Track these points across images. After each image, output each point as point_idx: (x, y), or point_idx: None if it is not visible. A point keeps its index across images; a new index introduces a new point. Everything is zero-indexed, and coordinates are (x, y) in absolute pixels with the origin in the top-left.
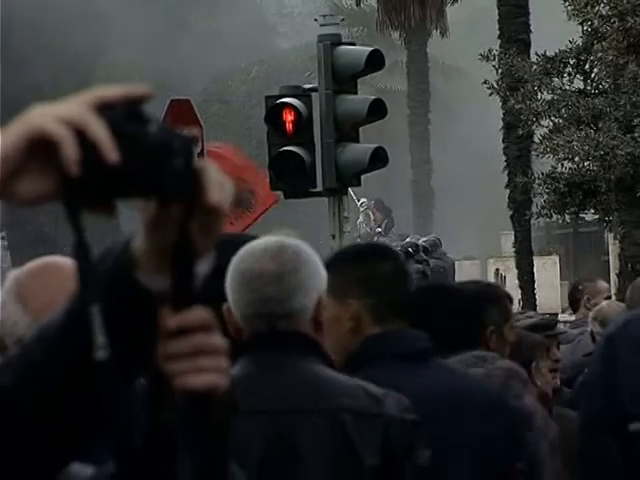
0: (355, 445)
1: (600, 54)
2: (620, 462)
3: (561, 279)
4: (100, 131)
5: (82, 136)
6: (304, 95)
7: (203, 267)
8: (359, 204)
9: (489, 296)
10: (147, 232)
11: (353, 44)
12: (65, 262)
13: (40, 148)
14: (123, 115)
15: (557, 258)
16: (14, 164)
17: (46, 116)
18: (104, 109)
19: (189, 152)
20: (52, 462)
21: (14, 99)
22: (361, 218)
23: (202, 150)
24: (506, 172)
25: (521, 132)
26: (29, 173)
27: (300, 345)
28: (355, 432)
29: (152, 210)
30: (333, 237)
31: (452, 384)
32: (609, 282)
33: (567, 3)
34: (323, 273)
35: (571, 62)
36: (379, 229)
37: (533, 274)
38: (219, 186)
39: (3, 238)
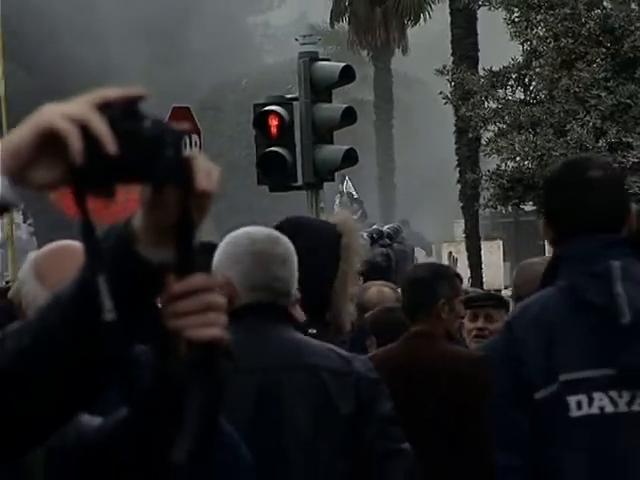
0: (332, 397)
1: (538, 69)
2: (530, 432)
3: (504, 261)
4: (101, 126)
5: (86, 131)
6: (287, 103)
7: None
8: (339, 197)
9: (441, 273)
10: (145, 212)
11: (328, 60)
12: (76, 245)
13: (50, 141)
14: (121, 112)
15: (501, 243)
16: (28, 155)
17: (54, 113)
18: (105, 107)
19: (179, 144)
20: (65, 411)
21: (25, 101)
22: (338, 209)
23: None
24: (458, 170)
25: (471, 136)
26: (41, 163)
27: (287, 317)
28: (332, 387)
29: (148, 193)
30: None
31: None
32: None
33: (510, 26)
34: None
35: (513, 76)
36: (355, 217)
37: (480, 256)
38: (207, 173)
39: (30, 225)
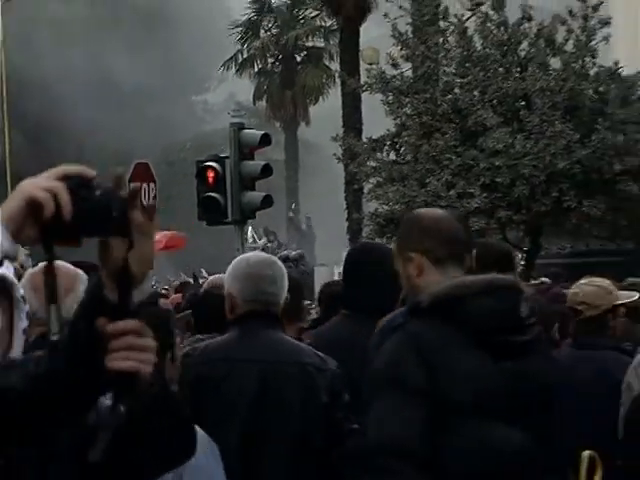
0: (315, 388)
1: (406, 138)
2: None
3: None
4: (65, 196)
5: (55, 198)
6: (220, 160)
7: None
8: (251, 233)
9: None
10: (102, 263)
11: (251, 129)
12: (64, 265)
13: (31, 208)
14: (79, 183)
15: None
16: (21, 220)
17: (34, 186)
18: (67, 179)
19: (124, 208)
20: (59, 420)
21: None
22: (251, 240)
23: (155, 196)
24: (346, 211)
25: (356, 186)
26: (27, 224)
27: (278, 322)
28: (316, 379)
29: (102, 248)
30: (237, 250)
31: None
32: None
33: (386, 106)
34: (286, 280)
35: (388, 143)
36: (269, 244)
37: None
38: (147, 235)
39: (27, 248)
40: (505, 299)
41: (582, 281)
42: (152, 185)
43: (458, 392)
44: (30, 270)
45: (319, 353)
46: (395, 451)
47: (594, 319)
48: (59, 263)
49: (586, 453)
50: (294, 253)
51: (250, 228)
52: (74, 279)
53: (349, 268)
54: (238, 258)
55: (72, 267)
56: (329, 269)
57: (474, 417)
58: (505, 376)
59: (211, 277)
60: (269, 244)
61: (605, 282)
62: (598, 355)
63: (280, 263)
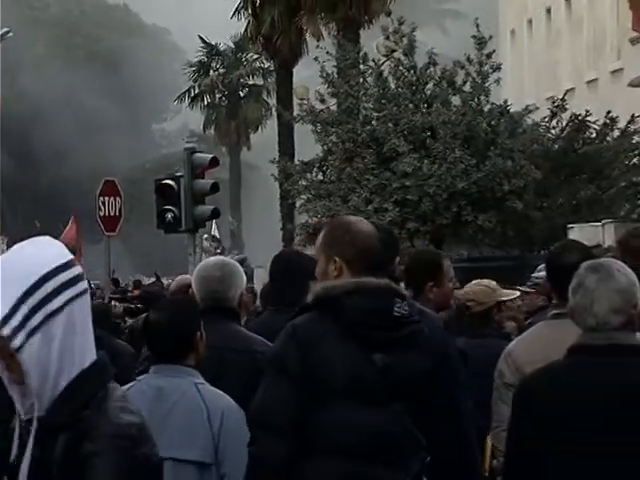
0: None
1: (332, 162)
2: None
3: None
4: None
5: None
6: (176, 178)
7: None
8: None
9: None
10: None
11: (202, 152)
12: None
13: None
14: None
15: None
16: None
17: None
18: None
19: None
20: None
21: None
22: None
23: (120, 208)
24: (281, 223)
25: (290, 202)
26: None
27: (233, 315)
28: (261, 364)
29: None
30: (190, 254)
31: None
32: None
33: (315, 134)
34: (243, 277)
35: (316, 165)
36: (218, 250)
37: None
38: None
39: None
40: (377, 299)
41: (472, 282)
42: (118, 199)
43: (330, 377)
44: None
45: (268, 343)
46: (260, 423)
47: (481, 313)
48: None
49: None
50: (236, 257)
51: (205, 236)
52: None
53: (274, 271)
54: (200, 263)
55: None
56: (266, 270)
57: (343, 399)
58: (374, 366)
59: (178, 277)
60: (217, 250)
61: (491, 283)
62: (487, 342)
63: (232, 265)
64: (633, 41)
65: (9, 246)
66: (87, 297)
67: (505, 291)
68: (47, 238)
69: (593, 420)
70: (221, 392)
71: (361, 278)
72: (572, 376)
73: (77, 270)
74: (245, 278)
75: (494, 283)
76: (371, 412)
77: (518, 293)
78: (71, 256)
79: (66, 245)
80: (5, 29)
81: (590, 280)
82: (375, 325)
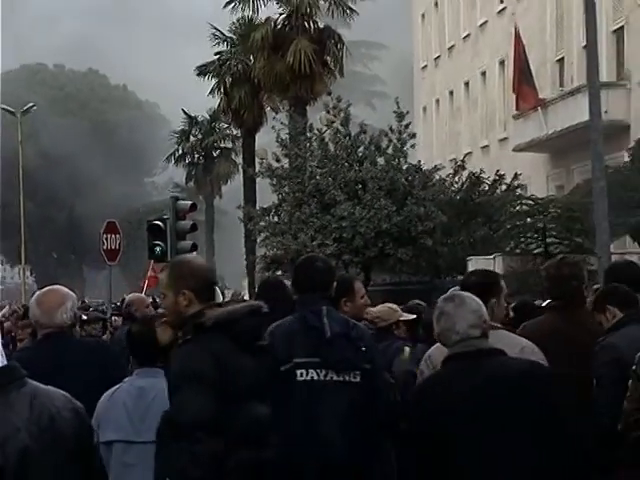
0: None
1: (285, 208)
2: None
3: None
4: None
5: None
6: (163, 220)
7: None
8: None
9: None
10: None
11: (184, 200)
12: (60, 288)
13: None
14: None
15: None
16: None
17: None
18: None
19: None
20: None
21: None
22: None
23: (120, 246)
24: (245, 255)
25: (252, 238)
26: None
27: None
28: None
29: None
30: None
31: None
32: None
33: (272, 186)
34: (220, 297)
35: (273, 210)
36: None
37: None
38: None
39: (34, 277)
40: (261, 318)
41: (380, 305)
42: (118, 236)
43: (234, 383)
44: (36, 292)
45: None
46: (196, 423)
47: (385, 327)
48: (58, 287)
49: None
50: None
51: None
52: (64, 297)
53: (259, 293)
54: None
55: (64, 289)
56: (232, 291)
57: (245, 398)
58: (261, 371)
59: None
60: None
61: (393, 306)
62: (388, 349)
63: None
64: (515, 117)
65: (32, 273)
66: None
67: (404, 313)
68: None
69: (466, 410)
70: None
71: (250, 302)
72: (448, 378)
73: None
74: (221, 297)
75: (395, 306)
76: (260, 407)
77: (414, 316)
78: None
79: (147, 288)
80: (31, 104)
81: (449, 307)
82: (258, 338)
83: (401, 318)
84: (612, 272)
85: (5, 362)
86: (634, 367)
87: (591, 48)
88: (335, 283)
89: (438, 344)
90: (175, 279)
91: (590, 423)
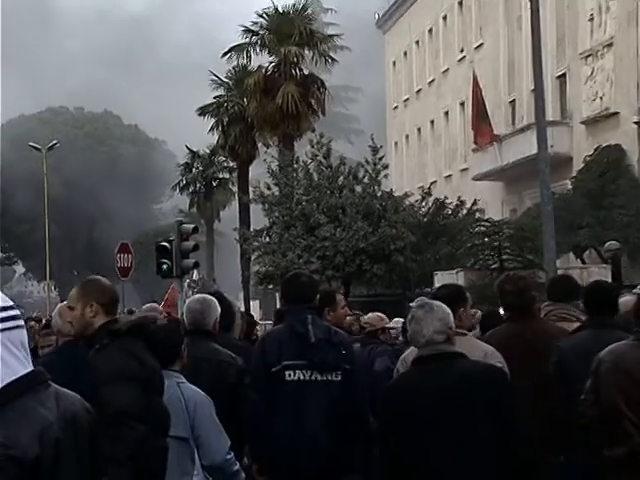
0: (228, 374)
1: (275, 230)
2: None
3: (263, 312)
4: None
5: None
6: (170, 241)
7: None
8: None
9: None
10: None
11: (188, 224)
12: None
13: None
14: None
15: (258, 302)
16: None
17: None
18: None
19: None
20: None
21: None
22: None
23: (132, 264)
24: (241, 271)
25: (247, 257)
26: None
27: (210, 336)
28: (228, 369)
29: None
30: (179, 292)
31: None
32: None
33: (263, 211)
34: (217, 309)
35: (265, 232)
36: (196, 290)
37: (249, 309)
38: None
39: (57, 291)
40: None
41: (370, 313)
42: (130, 255)
43: (152, 379)
44: (59, 305)
45: (232, 354)
46: (125, 412)
47: (373, 332)
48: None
49: None
50: (213, 289)
51: (187, 281)
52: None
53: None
54: (189, 298)
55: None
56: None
57: (159, 392)
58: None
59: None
60: (195, 290)
61: (381, 315)
62: (372, 351)
63: (209, 300)
64: (474, 150)
65: (55, 288)
66: (17, 331)
67: (389, 320)
68: None
69: (428, 405)
70: (196, 388)
71: (146, 314)
72: (414, 378)
73: (12, 312)
74: (219, 309)
75: (383, 315)
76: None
77: (398, 326)
78: (9, 303)
79: (166, 310)
80: (55, 141)
81: (419, 313)
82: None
83: (387, 325)
84: (551, 285)
85: (32, 367)
86: (593, 367)
87: (538, 91)
88: (319, 295)
89: (413, 347)
90: (84, 294)
91: (531, 425)
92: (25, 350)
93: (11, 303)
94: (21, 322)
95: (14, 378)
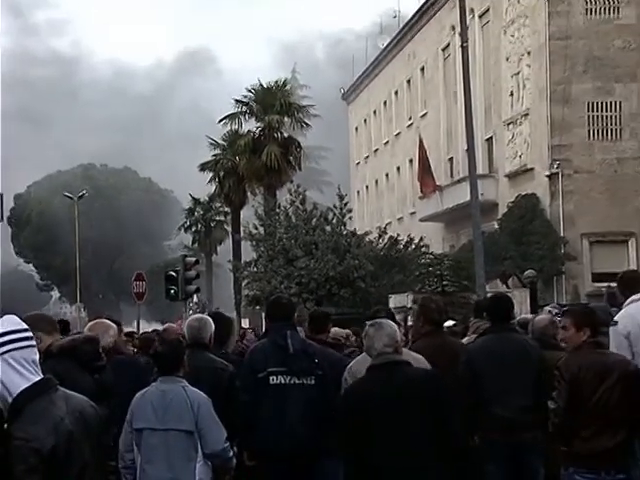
0: (222, 379)
1: (261, 262)
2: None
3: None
4: None
5: None
6: (177, 271)
7: None
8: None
9: None
10: None
11: (190, 257)
12: (105, 320)
13: None
14: None
15: (247, 320)
16: None
17: None
18: None
19: None
20: None
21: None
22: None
23: (145, 289)
24: (234, 295)
25: (239, 283)
26: None
27: (206, 348)
28: (222, 375)
29: None
30: (183, 312)
31: None
32: None
33: (252, 247)
34: (212, 326)
35: (253, 264)
36: (198, 310)
37: (241, 325)
38: None
39: (85, 311)
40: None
41: (336, 328)
42: (144, 282)
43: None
44: (89, 323)
45: (225, 362)
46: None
47: (342, 344)
48: (104, 320)
49: None
50: (212, 313)
51: (191, 304)
52: (108, 327)
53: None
54: (189, 317)
55: (107, 321)
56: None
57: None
58: (100, 383)
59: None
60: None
61: (347, 330)
62: (345, 357)
63: (205, 319)
64: (420, 198)
65: (84, 309)
66: (29, 349)
67: (350, 333)
68: (9, 317)
69: (379, 405)
70: (198, 390)
71: (87, 334)
72: (368, 383)
73: (23, 334)
74: (213, 326)
75: (349, 331)
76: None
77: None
78: (22, 326)
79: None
80: (84, 191)
81: (371, 330)
82: (96, 360)
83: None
84: (476, 305)
85: (42, 375)
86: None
87: (471, 151)
88: (312, 318)
89: (357, 359)
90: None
91: (462, 419)
92: (36, 365)
93: (25, 326)
94: (33, 342)
95: (29, 384)
